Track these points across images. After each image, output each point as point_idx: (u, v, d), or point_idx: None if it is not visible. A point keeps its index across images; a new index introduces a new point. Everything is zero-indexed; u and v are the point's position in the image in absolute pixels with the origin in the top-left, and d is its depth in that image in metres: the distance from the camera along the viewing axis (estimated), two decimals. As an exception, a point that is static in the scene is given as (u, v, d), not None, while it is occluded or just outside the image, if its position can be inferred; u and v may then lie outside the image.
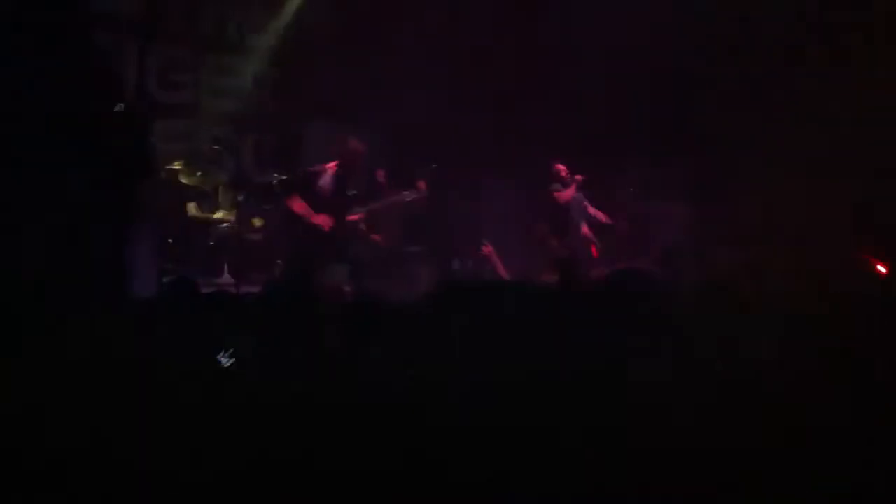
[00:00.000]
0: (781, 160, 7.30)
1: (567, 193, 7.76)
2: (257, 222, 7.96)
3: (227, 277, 7.31)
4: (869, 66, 7.14)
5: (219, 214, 7.79)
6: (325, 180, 6.74)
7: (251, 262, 7.42)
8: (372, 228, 7.29)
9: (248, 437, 1.76)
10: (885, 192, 6.82)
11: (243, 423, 1.82)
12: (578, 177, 7.81)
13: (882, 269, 4.56)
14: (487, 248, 7.38)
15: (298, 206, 6.62)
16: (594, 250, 7.94)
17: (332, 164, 6.82)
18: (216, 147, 7.46)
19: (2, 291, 3.75)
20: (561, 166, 7.87)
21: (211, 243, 7.57)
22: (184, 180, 7.65)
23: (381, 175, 7.60)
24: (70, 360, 2.37)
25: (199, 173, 7.66)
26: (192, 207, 7.73)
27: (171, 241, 7.43)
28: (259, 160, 8.91)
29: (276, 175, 7.73)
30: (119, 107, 4.95)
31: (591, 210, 8.05)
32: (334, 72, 8.82)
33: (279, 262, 8.06)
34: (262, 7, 9.07)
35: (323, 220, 6.58)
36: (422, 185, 7.31)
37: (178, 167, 7.62)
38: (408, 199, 7.17)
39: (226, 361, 2.46)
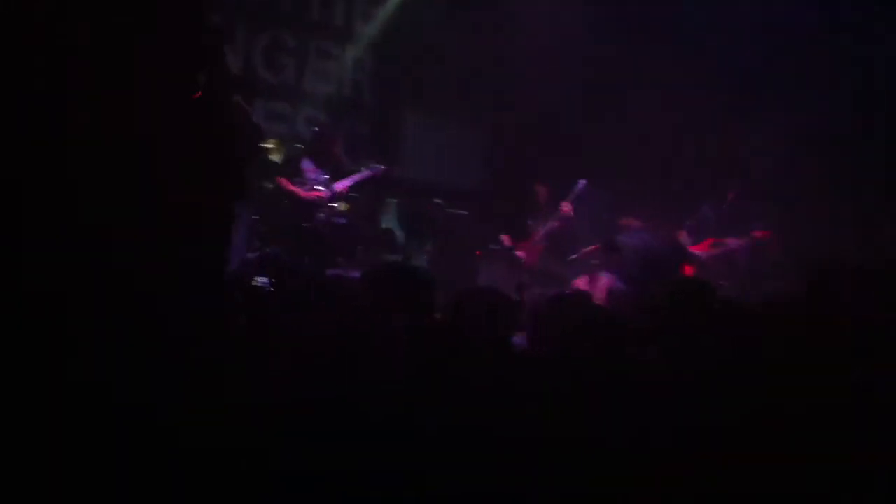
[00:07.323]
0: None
1: None
2: (343, 206, 8.02)
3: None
4: None
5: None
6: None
7: (336, 246, 7.48)
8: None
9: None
10: None
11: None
12: None
13: None
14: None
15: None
16: None
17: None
18: (315, 129, 7.54)
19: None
20: None
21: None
22: (274, 159, 7.77)
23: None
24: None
25: (288, 154, 7.77)
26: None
27: (256, 217, 7.56)
28: (352, 148, 9.00)
29: (367, 163, 7.80)
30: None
31: None
32: (436, 66, 8.85)
33: (360, 247, 8.14)
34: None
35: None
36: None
37: (270, 145, 7.74)
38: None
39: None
